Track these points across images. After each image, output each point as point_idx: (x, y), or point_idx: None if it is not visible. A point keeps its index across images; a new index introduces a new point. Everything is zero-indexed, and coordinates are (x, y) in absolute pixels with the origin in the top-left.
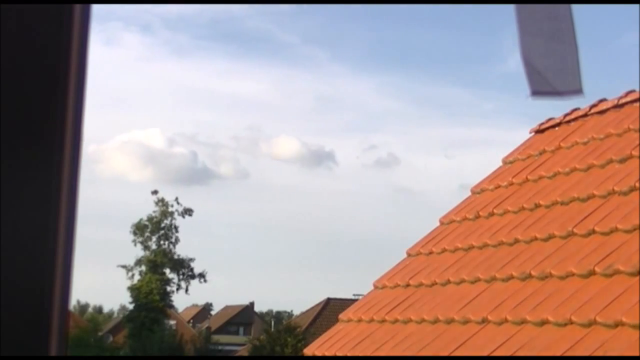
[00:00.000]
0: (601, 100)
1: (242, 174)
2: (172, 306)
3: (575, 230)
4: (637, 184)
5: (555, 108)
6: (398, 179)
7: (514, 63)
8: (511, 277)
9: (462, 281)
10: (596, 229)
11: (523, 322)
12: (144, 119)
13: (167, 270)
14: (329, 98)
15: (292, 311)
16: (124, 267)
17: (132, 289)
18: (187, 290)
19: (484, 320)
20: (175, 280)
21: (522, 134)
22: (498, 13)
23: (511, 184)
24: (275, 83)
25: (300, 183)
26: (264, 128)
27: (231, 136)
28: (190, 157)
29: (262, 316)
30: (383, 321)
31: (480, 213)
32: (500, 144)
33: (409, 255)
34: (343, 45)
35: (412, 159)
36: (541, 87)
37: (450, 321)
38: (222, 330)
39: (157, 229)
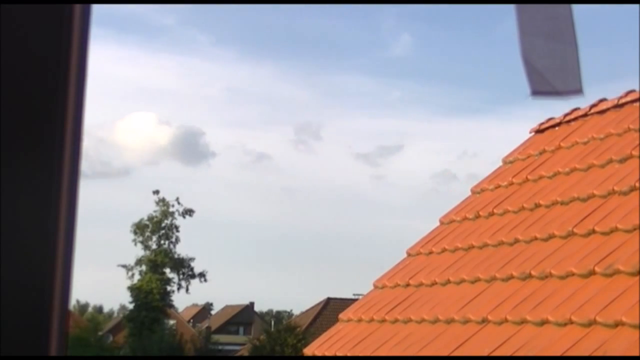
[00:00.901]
0: (601, 100)
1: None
2: (172, 306)
3: (575, 230)
4: (637, 184)
5: (555, 108)
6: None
7: (400, 48)
8: (511, 277)
9: (462, 281)
10: (596, 229)
11: (523, 322)
12: None
13: (167, 270)
14: (219, 84)
15: (292, 311)
16: (124, 267)
17: (132, 288)
18: (187, 289)
19: (484, 320)
20: (176, 280)
21: (440, 126)
22: None
23: (511, 183)
24: (157, 68)
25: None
26: (154, 117)
27: (117, 127)
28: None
29: (262, 316)
30: (383, 321)
31: (480, 213)
32: (417, 135)
33: (409, 255)
34: (225, 29)
35: (323, 154)
36: (541, 87)
37: (450, 321)
38: (222, 330)
39: (157, 229)
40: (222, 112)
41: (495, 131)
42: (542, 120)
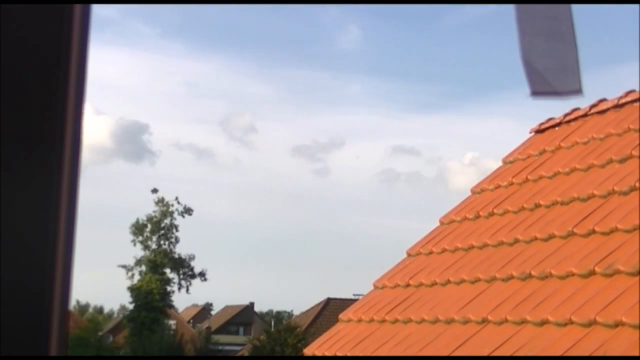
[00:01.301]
0: (601, 100)
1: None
2: (172, 306)
3: (575, 230)
4: (637, 184)
5: (555, 108)
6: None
7: (349, 42)
8: (511, 277)
9: (462, 281)
10: (596, 229)
11: (523, 322)
12: None
13: (167, 270)
14: (166, 78)
15: (292, 311)
16: (124, 267)
17: (132, 289)
18: (187, 289)
19: (484, 320)
20: (176, 280)
21: (388, 122)
22: None
23: (511, 184)
24: (105, 62)
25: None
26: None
27: None
28: None
29: (262, 316)
30: (383, 321)
31: (480, 213)
32: (361, 132)
33: (409, 255)
34: (173, 23)
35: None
36: (541, 87)
37: (450, 321)
38: (222, 330)
39: (157, 229)
40: (168, 106)
41: (445, 128)
42: (541, 120)
